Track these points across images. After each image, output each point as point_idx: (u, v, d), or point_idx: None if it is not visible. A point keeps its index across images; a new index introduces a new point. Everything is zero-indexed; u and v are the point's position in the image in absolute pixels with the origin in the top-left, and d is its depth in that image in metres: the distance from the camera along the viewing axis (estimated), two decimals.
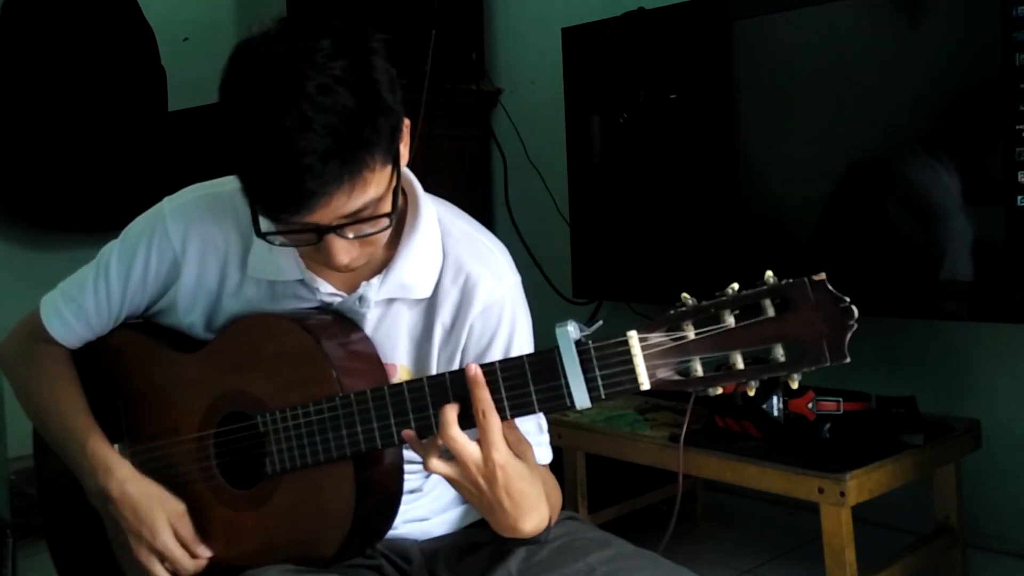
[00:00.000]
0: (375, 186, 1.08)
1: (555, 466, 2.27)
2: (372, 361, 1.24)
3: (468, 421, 1.09)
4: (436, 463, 1.10)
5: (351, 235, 1.10)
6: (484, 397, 1.07)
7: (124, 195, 3.15)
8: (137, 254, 1.30)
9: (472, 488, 1.10)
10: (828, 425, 1.94)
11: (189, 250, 1.28)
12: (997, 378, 2.25)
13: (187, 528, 1.24)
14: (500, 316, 1.27)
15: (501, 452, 1.08)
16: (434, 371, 1.27)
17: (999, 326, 2.13)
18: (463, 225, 1.31)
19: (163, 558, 1.23)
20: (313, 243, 1.10)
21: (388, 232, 1.15)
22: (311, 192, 1.03)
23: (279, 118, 1.02)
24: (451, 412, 1.08)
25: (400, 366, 1.28)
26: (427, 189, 1.32)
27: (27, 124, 3.06)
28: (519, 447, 1.13)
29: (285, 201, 1.04)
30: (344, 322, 1.25)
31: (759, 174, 2.30)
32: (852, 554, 1.81)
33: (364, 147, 1.04)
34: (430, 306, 1.26)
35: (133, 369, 1.33)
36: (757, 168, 2.30)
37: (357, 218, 1.08)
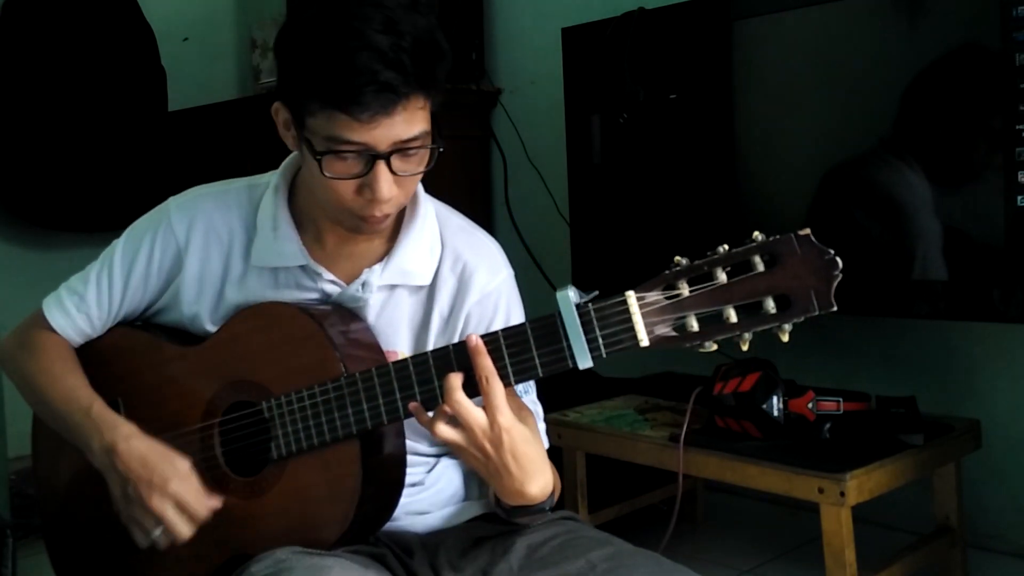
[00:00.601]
0: (427, 120, 1.16)
1: (555, 466, 2.28)
2: (373, 348, 1.26)
3: (472, 390, 1.11)
4: (443, 428, 1.11)
5: (398, 170, 1.15)
6: (486, 364, 1.10)
7: (124, 195, 3.15)
8: (141, 247, 1.33)
9: (479, 454, 1.12)
10: (828, 425, 1.94)
11: (193, 241, 1.31)
12: (997, 378, 2.25)
13: (194, 481, 1.22)
14: (496, 305, 1.31)
15: (506, 416, 1.10)
16: None
17: (999, 326, 2.14)
18: (459, 220, 1.36)
19: (177, 503, 1.20)
20: (361, 173, 1.15)
21: (419, 177, 1.22)
22: (394, 88, 1.10)
23: (367, 20, 1.10)
24: (455, 379, 1.11)
25: (401, 353, 1.30)
26: (427, 189, 1.35)
27: (27, 124, 3.07)
28: (520, 414, 1.16)
29: (368, 97, 1.09)
30: (345, 311, 1.28)
31: (759, 174, 2.30)
32: (852, 554, 1.81)
33: (436, 70, 1.14)
34: (429, 294, 1.30)
35: (134, 366, 1.34)
36: (757, 168, 2.30)
37: (408, 146, 1.14)
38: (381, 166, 1.14)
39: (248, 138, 3.07)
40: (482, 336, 1.12)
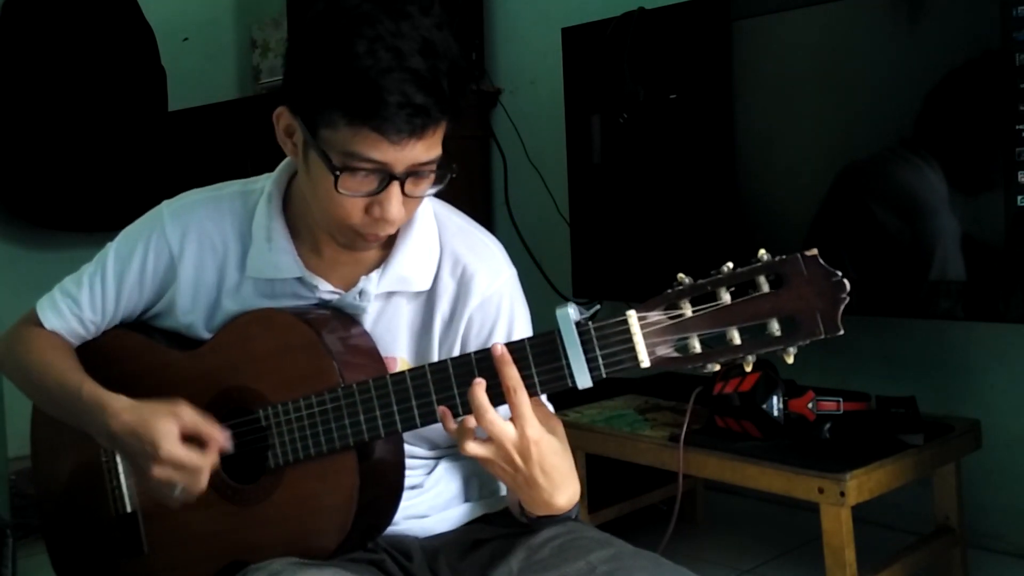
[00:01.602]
0: (441, 143, 1.14)
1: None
2: (372, 355, 1.25)
3: (493, 400, 1.09)
4: (472, 445, 1.10)
5: (409, 192, 1.14)
6: (512, 375, 1.08)
7: (124, 195, 3.15)
8: (134, 254, 1.32)
9: (508, 467, 1.11)
10: (828, 425, 1.94)
11: (187, 250, 1.30)
12: (997, 378, 2.25)
13: (191, 416, 1.19)
14: (499, 308, 1.29)
15: (534, 428, 1.09)
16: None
17: (999, 326, 2.14)
18: (458, 220, 1.34)
19: (175, 466, 1.18)
20: (374, 192, 1.13)
21: (422, 200, 1.20)
22: (428, 112, 1.08)
23: (404, 38, 1.07)
24: (483, 396, 1.08)
25: (400, 359, 1.29)
26: None
27: (27, 124, 3.07)
28: (549, 423, 1.14)
29: (402, 119, 1.07)
30: (343, 317, 1.27)
31: (759, 174, 2.30)
32: (852, 554, 1.81)
33: (465, 95, 1.13)
34: (429, 299, 1.28)
35: (133, 370, 1.33)
36: (757, 168, 2.30)
37: (423, 169, 1.13)
38: (395, 187, 1.13)
39: (248, 138, 3.07)
40: (479, 352, 1.11)
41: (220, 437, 1.20)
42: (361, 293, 1.26)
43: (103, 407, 1.23)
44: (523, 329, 1.31)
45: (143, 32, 3.30)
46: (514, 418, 1.09)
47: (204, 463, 1.19)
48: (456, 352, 1.28)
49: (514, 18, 3.15)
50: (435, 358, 1.28)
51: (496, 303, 1.29)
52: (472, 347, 1.28)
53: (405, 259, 1.26)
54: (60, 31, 3.13)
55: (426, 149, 1.12)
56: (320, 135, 1.13)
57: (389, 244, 1.28)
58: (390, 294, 1.27)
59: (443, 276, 1.28)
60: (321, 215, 1.20)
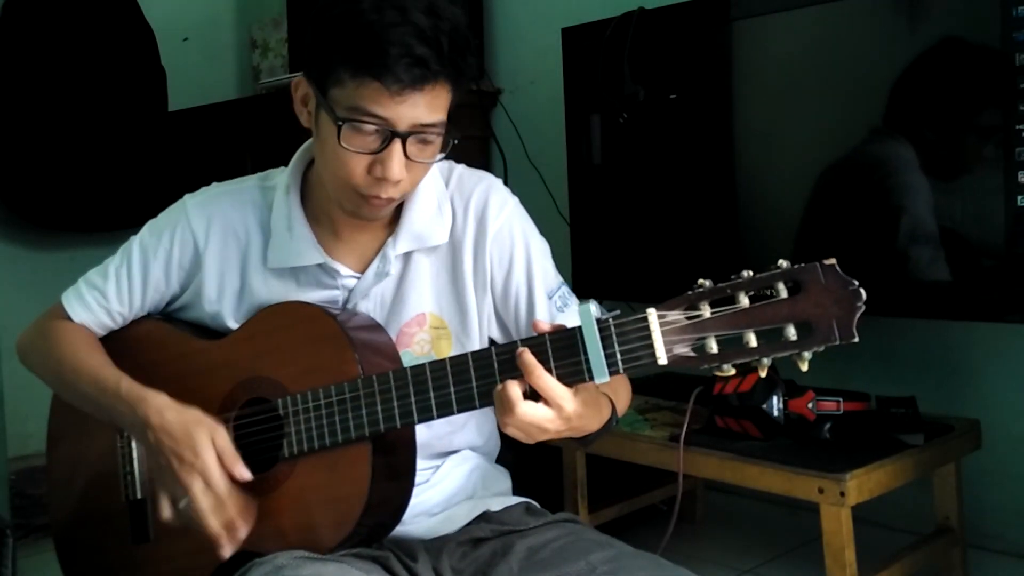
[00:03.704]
0: (445, 111, 1.18)
1: (555, 466, 2.28)
2: (391, 353, 1.27)
3: (490, 399, 1.11)
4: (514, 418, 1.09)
5: (411, 155, 1.17)
6: (539, 384, 1.08)
7: (124, 195, 3.15)
8: (160, 245, 1.35)
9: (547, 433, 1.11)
10: (828, 425, 1.94)
11: (212, 240, 1.33)
12: (997, 378, 2.25)
13: (226, 442, 1.21)
14: (512, 235, 1.33)
15: (568, 404, 1.08)
16: (472, 309, 1.31)
17: (999, 326, 2.14)
18: (459, 168, 1.38)
19: (204, 478, 1.19)
20: (376, 150, 1.16)
21: (428, 168, 1.23)
22: (427, 64, 1.12)
23: (412, 1, 1.12)
24: (516, 389, 1.08)
25: (429, 314, 1.32)
26: None
27: (28, 124, 3.07)
28: (597, 399, 1.15)
29: (402, 68, 1.11)
30: (367, 318, 1.30)
31: (759, 174, 2.30)
32: (852, 554, 1.81)
33: (467, 59, 1.16)
34: (452, 250, 1.32)
35: (155, 359, 1.35)
36: (757, 168, 2.30)
37: (426, 131, 1.16)
38: (396, 145, 1.16)
39: (248, 138, 3.08)
40: (500, 347, 1.12)
41: (242, 473, 1.21)
42: (383, 258, 1.29)
43: (144, 401, 1.25)
44: (539, 251, 1.35)
45: (143, 32, 3.31)
46: (548, 402, 1.08)
47: (226, 495, 1.19)
48: (488, 291, 1.32)
49: (514, 18, 3.15)
50: (472, 306, 1.31)
51: (508, 231, 1.33)
52: (498, 281, 1.32)
53: (416, 217, 1.29)
54: (60, 31, 3.13)
55: (428, 109, 1.15)
56: (329, 95, 1.16)
57: (399, 209, 1.30)
58: (409, 254, 1.31)
59: (458, 222, 1.32)
60: (329, 178, 1.23)
